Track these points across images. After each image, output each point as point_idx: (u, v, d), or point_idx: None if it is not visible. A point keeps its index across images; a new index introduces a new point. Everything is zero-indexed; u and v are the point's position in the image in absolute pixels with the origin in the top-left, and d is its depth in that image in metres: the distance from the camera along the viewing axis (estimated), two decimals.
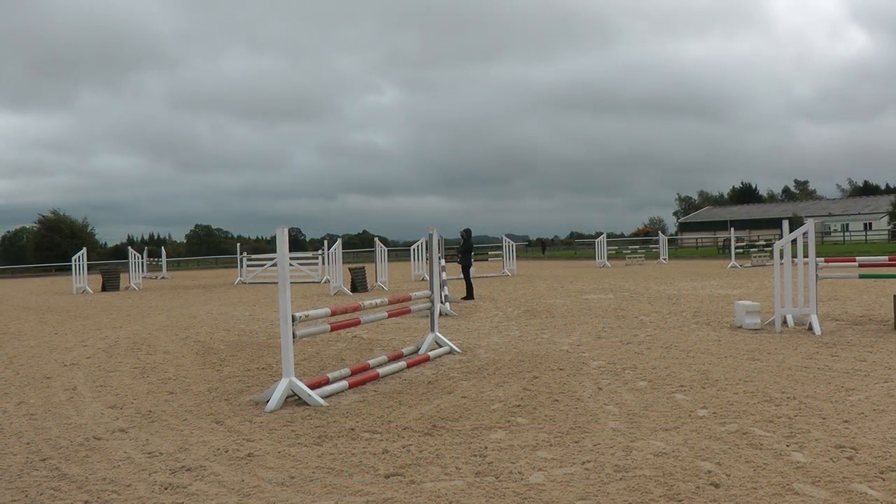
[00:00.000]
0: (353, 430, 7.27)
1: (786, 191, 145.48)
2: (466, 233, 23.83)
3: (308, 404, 8.34)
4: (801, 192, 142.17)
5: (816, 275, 13.71)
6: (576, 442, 6.61)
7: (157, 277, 52.13)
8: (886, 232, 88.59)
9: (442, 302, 17.87)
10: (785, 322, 13.80)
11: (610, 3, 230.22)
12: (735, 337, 12.86)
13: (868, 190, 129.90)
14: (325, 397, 8.56)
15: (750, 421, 7.16)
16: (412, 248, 37.44)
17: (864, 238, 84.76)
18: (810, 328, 13.19)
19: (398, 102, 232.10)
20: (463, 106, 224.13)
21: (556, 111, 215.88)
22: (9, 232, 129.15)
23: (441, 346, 11.91)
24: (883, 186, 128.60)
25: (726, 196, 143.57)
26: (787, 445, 6.33)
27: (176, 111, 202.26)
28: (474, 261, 26.25)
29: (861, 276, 14.67)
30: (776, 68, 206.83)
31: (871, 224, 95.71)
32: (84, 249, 37.55)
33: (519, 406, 8.07)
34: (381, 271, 31.60)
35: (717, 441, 6.50)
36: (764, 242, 49.37)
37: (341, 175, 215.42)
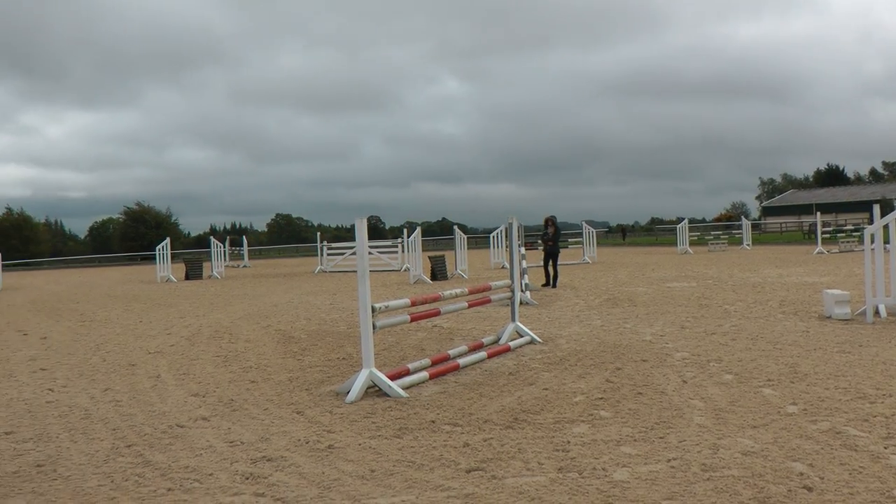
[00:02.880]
0: (433, 422, 7.22)
1: (873, 172, 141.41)
2: (553, 219, 23.73)
3: (388, 395, 8.31)
4: (890, 173, 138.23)
5: None
6: (661, 438, 6.46)
7: (238, 266, 52.80)
8: None
9: (522, 290, 17.75)
10: (877, 312, 13.32)
11: None
12: (824, 328, 12.49)
13: None
14: (405, 388, 8.52)
15: (843, 419, 6.89)
16: (491, 235, 37.33)
17: None
18: None
19: (458, 92, 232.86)
20: (523, 94, 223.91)
21: (618, 97, 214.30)
22: (96, 223, 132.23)
23: (522, 336, 11.80)
24: None
25: (811, 178, 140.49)
26: (885, 447, 6.04)
27: (241, 106, 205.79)
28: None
29: None
30: (840, 47, 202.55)
31: None
32: (168, 239, 38.21)
33: (602, 399, 7.94)
34: (461, 259, 31.55)
35: (808, 440, 6.27)
36: (852, 227, 48.26)
37: (412, 163, 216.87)
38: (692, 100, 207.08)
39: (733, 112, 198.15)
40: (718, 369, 9.31)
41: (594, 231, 42.56)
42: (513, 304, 12.06)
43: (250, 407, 8.18)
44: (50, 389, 9.56)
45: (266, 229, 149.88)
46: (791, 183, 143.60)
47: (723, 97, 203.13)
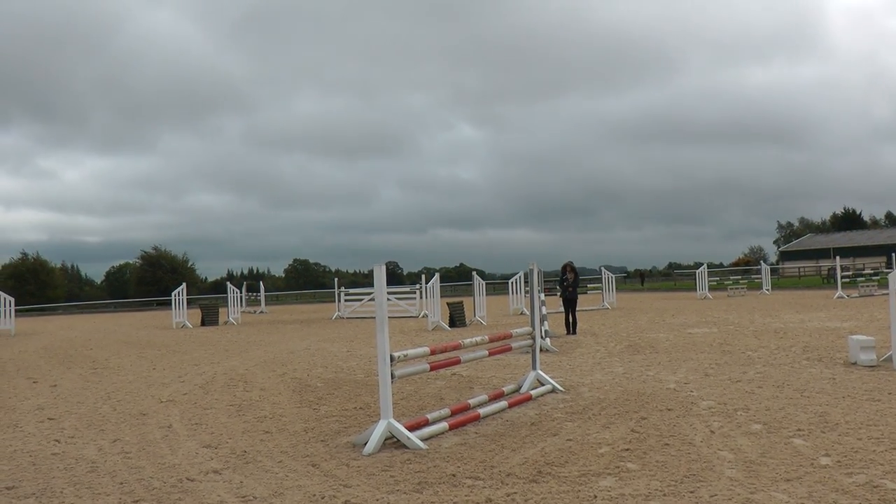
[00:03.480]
0: (454, 475, 7.00)
1: (889, 216, 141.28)
2: (572, 265, 23.67)
3: (407, 447, 8.09)
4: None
5: None
6: (691, 492, 6.23)
7: (255, 312, 52.72)
8: None
9: (542, 337, 17.56)
10: None
11: (667, 34, 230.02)
12: (851, 374, 12.25)
13: None
14: (424, 439, 8.31)
15: (879, 472, 6.66)
16: (510, 281, 37.17)
17: None
18: None
19: (474, 137, 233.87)
20: (537, 139, 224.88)
21: (632, 142, 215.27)
22: (113, 267, 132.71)
23: (543, 385, 11.59)
24: None
25: (828, 222, 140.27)
26: None
27: (257, 151, 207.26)
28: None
29: None
30: (848, 92, 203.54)
31: None
32: (184, 284, 38.05)
33: (628, 450, 7.71)
34: (480, 305, 31.39)
35: (845, 495, 6.04)
36: (871, 271, 47.86)
37: (429, 209, 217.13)
38: (704, 144, 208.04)
39: (746, 156, 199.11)
40: (746, 418, 9.08)
41: (613, 276, 42.31)
42: (534, 351, 11.86)
43: (264, 459, 7.96)
44: (56, 440, 9.35)
45: (283, 274, 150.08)
46: (808, 227, 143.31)
47: (734, 141, 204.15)
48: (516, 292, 36.37)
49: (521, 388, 11.41)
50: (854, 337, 13.76)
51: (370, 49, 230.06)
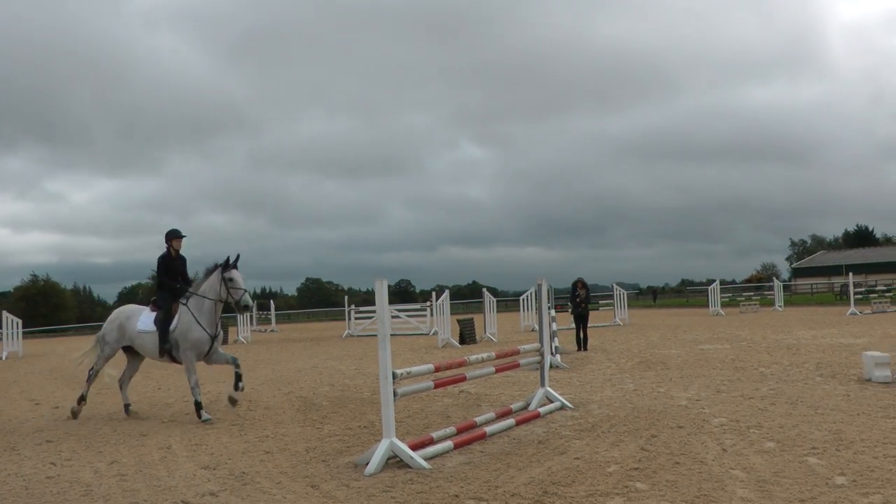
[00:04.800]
0: (457, 496, 6.80)
1: None
2: (584, 282, 23.59)
3: (410, 467, 7.89)
4: None
5: None
6: None
7: (265, 330, 52.55)
8: None
9: (552, 354, 17.35)
10: None
11: (669, 53, 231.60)
12: (865, 391, 12.02)
13: None
14: (428, 459, 8.11)
15: None
16: (521, 298, 36.97)
17: None
18: None
19: (479, 156, 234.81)
20: (543, 157, 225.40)
21: (638, 160, 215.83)
22: (125, 288, 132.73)
23: (552, 402, 11.39)
24: None
25: (840, 240, 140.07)
26: None
27: (263, 172, 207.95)
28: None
29: None
30: (851, 110, 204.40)
31: None
32: None
33: (637, 469, 7.51)
34: (490, 322, 31.19)
35: None
36: (884, 287, 47.52)
37: (438, 227, 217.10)
38: (711, 162, 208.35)
39: (753, 174, 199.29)
40: (759, 436, 8.87)
41: (625, 293, 42.06)
42: (542, 368, 11.68)
43: (262, 480, 7.76)
44: (52, 463, 9.14)
45: (296, 293, 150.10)
46: (820, 244, 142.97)
47: (740, 160, 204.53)
48: (527, 309, 36.17)
49: (529, 405, 11.22)
50: (868, 353, 13.53)
51: (372, 70, 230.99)
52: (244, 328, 40.32)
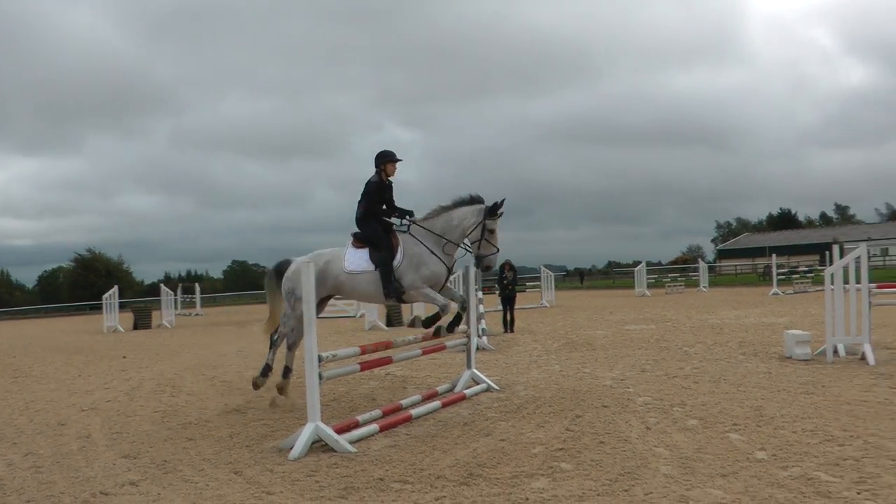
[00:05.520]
0: (382, 479, 6.74)
1: (823, 216, 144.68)
2: (511, 263, 23.66)
3: (335, 451, 7.81)
4: (841, 217, 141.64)
5: (870, 302, 13.08)
6: (626, 490, 6.07)
7: (190, 314, 51.92)
8: None
9: (479, 336, 17.36)
10: (836, 352, 13.15)
11: (594, 38, 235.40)
12: (786, 368, 12.27)
13: None
14: (353, 442, 8.04)
15: (814, 464, 6.62)
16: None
17: None
18: (863, 358, 12.59)
19: (405, 138, 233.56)
20: (469, 140, 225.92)
21: (563, 143, 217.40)
22: (45, 271, 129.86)
23: (478, 384, 11.38)
24: None
25: (764, 222, 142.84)
26: (858, 493, 5.82)
27: (187, 152, 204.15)
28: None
29: None
30: (773, 98, 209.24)
31: None
32: (115, 287, 37.09)
33: (562, 449, 7.52)
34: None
35: (780, 489, 5.96)
36: (806, 268, 48.47)
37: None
38: (636, 146, 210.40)
39: (678, 158, 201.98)
40: (682, 414, 8.98)
41: (552, 275, 42.27)
42: (469, 350, 11.65)
43: (185, 468, 7.57)
44: None
45: (222, 276, 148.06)
46: (745, 227, 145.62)
47: (665, 144, 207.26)
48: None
49: (455, 387, 11.20)
50: (790, 332, 13.81)
51: (296, 50, 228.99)
52: (168, 312, 39.69)
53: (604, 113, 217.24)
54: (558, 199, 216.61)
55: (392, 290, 10.20)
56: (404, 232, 10.53)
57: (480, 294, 21.21)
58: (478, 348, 16.00)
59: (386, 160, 10.99)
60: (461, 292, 11.22)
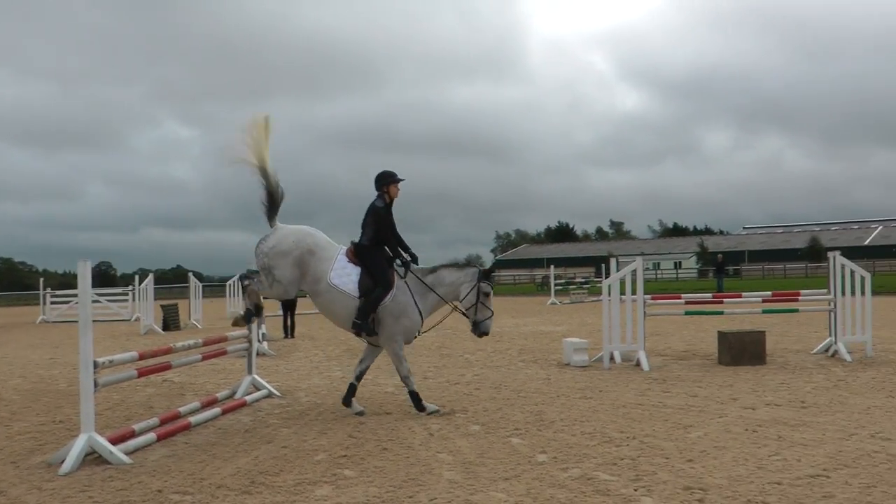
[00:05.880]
0: (160, 491, 6.45)
1: (599, 231, 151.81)
2: None
3: (110, 463, 7.41)
4: (616, 232, 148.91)
5: (645, 312, 13.72)
6: (410, 497, 6.07)
7: None
8: (695, 270, 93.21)
9: (259, 341, 17.07)
10: (613, 359, 13.74)
11: (376, 45, 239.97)
12: (565, 375, 12.69)
13: (677, 231, 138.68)
14: (129, 453, 7.66)
15: (592, 465, 6.87)
16: (228, 283, 36.22)
17: (674, 276, 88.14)
18: (638, 364, 13.19)
19: (184, 136, 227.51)
20: None
21: (345, 149, 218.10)
22: None
23: (259, 390, 11.16)
24: (691, 228, 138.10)
25: (542, 235, 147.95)
26: (636, 489, 6.10)
27: None
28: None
29: (687, 313, 15.00)
30: (551, 116, 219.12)
31: (680, 263, 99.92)
32: None
33: (345, 456, 7.46)
34: (195, 308, 30.46)
35: (561, 489, 6.14)
36: (582, 279, 50.27)
37: (141, 208, 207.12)
38: (417, 155, 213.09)
39: (459, 169, 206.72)
40: (465, 420, 9.10)
41: None
42: (250, 355, 11.40)
43: None
44: None
45: None
46: (524, 238, 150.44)
47: (446, 155, 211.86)
48: (234, 295, 35.42)
49: (235, 393, 10.92)
50: (568, 340, 14.33)
51: (69, 35, 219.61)
52: None
53: (386, 120, 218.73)
54: (340, 205, 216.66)
55: (365, 326, 9.65)
56: (401, 277, 10.02)
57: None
58: (258, 354, 15.72)
59: (388, 182, 10.42)
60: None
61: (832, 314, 14.25)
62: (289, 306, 22.70)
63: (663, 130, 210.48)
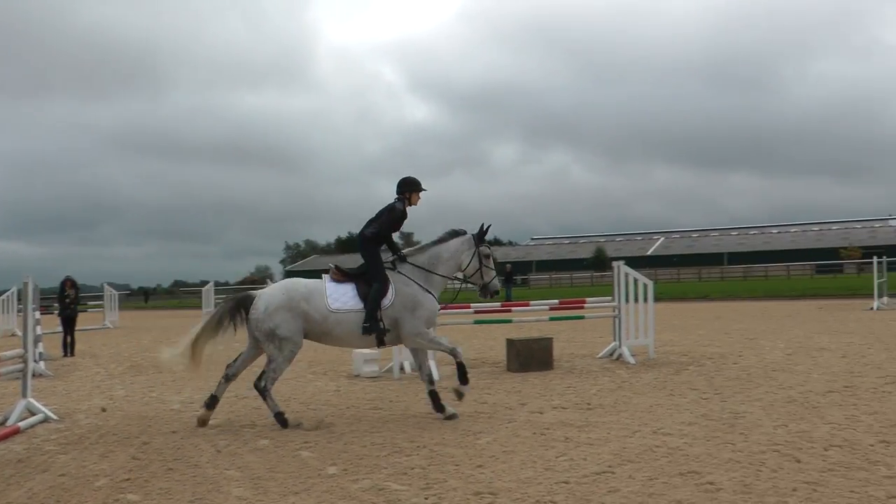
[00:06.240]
0: None
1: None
2: (74, 281, 22.13)
3: None
4: (405, 242, 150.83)
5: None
6: None
7: None
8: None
9: (36, 360, 16.22)
10: (403, 369, 13.85)
11: (161, 47, 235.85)
12: (354, 386, 12.71)
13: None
14: None
15: (383, 475, 6.88)
16: (0, 298, 34.29)
17: (463, 286, 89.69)
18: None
19: None
20: (22, 142, 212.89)
21: (127, 153, 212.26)
22: None
23: (35, 414, 10.54)
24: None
25: (333, 245, 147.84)
26: (426, 498, 6.14)
27: None
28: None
29: (476, 322, 15.30)
30: (340, 126, 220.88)
31: None
32: None
33: (128, 480, 7.13)
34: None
35: (352, 501, 6.15)
36: None
37: None
38: (204, 163, 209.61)
39: (246, 178, 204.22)
40: (253, 435, 8.98)
41: (116, 293, 40.66)
42: (25, 376, 10.76)
43: None
44: None
45: None
46: (314, 249, 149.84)
47: (233, 163, 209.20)
48: (8, 311, 33.52)
49: (7, 419, 10.29)
50: (358, 351, 14.22)
51: None
52: None
53: (171, 124, 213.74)
54: (123, 213, 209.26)
55: (376, 327, 9.50)
56: (391, 269, 9.94)
57: (38, 314, 19.89)
58: (34, 374, 14.93)
59: (413, 189, 10.25)
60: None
61: (616, 320, 14.96)
62: (69, 322, 21.64)
63: (452, 142, 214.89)
